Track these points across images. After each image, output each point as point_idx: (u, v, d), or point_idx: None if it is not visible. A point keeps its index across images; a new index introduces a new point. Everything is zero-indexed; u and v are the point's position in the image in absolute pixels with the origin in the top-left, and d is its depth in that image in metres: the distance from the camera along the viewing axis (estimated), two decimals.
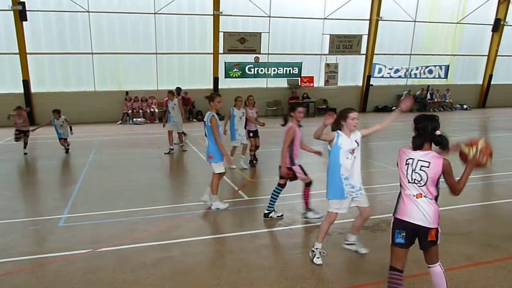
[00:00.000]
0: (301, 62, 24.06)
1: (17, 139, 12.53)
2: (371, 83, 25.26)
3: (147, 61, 22.15)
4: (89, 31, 20.90)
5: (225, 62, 22.80)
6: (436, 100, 25.97)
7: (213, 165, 6.75)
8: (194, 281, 4.42)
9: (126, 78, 22.09)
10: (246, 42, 22.52)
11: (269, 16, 22.91)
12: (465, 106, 26.57)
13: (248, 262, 4.85)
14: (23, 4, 19.06)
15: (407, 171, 3.55)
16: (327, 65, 24.44)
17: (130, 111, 21.22)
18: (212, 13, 21.86)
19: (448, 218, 6.22)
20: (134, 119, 20.82)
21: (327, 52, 24.28)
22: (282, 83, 24.17)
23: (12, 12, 19.27)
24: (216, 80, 22.84)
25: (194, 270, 4.65)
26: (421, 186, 3.48)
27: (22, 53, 19.94)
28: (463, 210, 6.62)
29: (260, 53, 23.08)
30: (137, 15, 21.35)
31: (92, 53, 21.16)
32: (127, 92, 21.63)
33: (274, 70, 23.78)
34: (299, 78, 24.20)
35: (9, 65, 20.25)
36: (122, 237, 5.63)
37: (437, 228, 3.49)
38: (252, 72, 23.45)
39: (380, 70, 24.58)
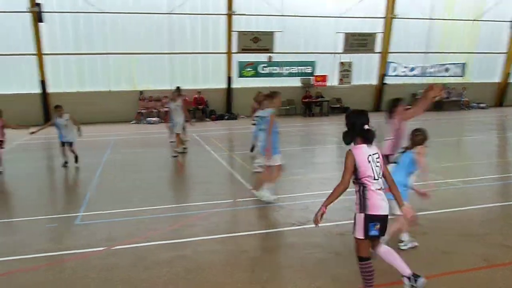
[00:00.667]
0: (315, 61, 23.96)
1: None
2: (385, 81, 25.02)
3: (161, 61, 22.32)
4: (104, 31, 21.14)
5: (238, 62, 22.83)
6: (453, 98, 25.60)
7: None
8: (208, 279, 4.43)
9: (140, 78, 22.28)
10: (259, 41, 22.52)
11: (282, 15, 22.85)
12: (482, 105, 26.14)
13: (262, 261, 4.85)
14: (40, 5, 19.36)
15: (372, 168, 3.65)
16: (341, 63, 24.30)
17: (144, 111, 21.40)
18: (225, 13, 21.91)
19: (464, 219, 6.14)
20: (148, 119, 20.98)
21: (341, 50, 24.14)
22: (296, 82, 24.11)
23: (29, 14, 19.60)
24: (229, 80, 22.90)
25: (207, 269, 4.66)
26: (381, 179, 3.72)
27: (39, 54, 20.30)
28: (479, 211, 6.51)
29: (273, 52, 23.05)
30: (151, 16, 21.52)
31: (107, 53, 21.40)
32: (141, 92, 21.82)
33: (287, 69, 23.73)
34: (312, 77, 24.10)
35: (26, 66, 20.59)
36: (136, 236, 5.68)
37: None
38: (266, 71, 23.44)
39: (395, 69, 24.33)
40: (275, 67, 23.47)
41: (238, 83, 23.24)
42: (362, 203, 3.74)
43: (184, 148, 12.09)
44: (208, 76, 23.20)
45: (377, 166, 3.67)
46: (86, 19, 20.93)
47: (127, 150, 12.91)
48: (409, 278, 3.84)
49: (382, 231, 3.75)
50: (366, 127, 3.65)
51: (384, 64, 24.65)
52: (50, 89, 20.82)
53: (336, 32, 23.91)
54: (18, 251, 5.30)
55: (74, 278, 4.52)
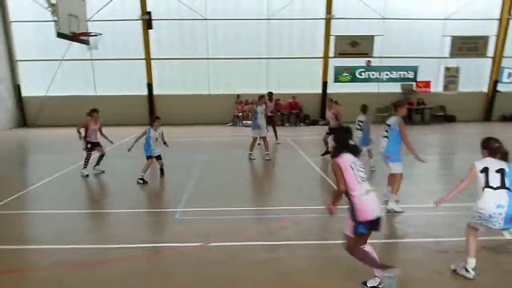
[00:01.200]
0: (417, 66, 22.69)
1: (88, 153, 10.05)
2: (498, 89, 22.85)
3: (258, 65, 22.83)
4: (206, 37, 22.24)
5: (334, 66, 22.50)
6: None
7: (391, 165, 7.09)
8: (300, 284, 4.40)
9: (238, 82, 23.02)
10: (357, 45, 21.96)
11: (384, 18, 22.04)
12: None
13: (357, 271, 4.67)
14: (149, 13, 20.99)
15: (354, 173, 4.12)
16: (447, 69, 22.71)
17: (240, 114, 22.05)
18: (324, 17, 21.75)
19: None
20: (244, 122, 21.55)
21: (447, 55, 22.57)
22: (395, 88, 23.04)
23: (140, 21, 21.36)
24: (325, 85, 22.66)
25: (299, 273, 4.63)
26: (366, 181, 4.21)
27: (147, 59, 22.01)
28: None
29: (372, 57, 22.32)
30: (250, 21, 22.14)
31: (208, 58, 22.48)
32: (238, 96, 22.52)
33: (387, 74, 22.78)
34: (414, 83, 22.85)
35: (136, 69, 22.44)
36: (231, 234, 5.84)
37: None
38: (363, 77, 22.77)
39: (510, 75, 22.12)
40: (373, 72, 22.70)
41: (334, 88, 22.89)
42: (352, 211, 4.18)
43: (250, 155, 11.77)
44: (303, 81, 23.19)
45: (359, 171, 4.18)
46: (191, 26, 22.21)
47: (223, 151, 13.38)
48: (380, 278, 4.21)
49: (374, 229, 4.25)
50: (352, 142, 4.34)
51: (497, 69, 22.52)
52: (155, 92, 22.43)
53: (442, 35, 22.43)
54: (122, 240, 5.75)
55: (172, 270, 4.78)
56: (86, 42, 17.11)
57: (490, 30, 22.50)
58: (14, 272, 4.76)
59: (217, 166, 11.21)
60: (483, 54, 22.55)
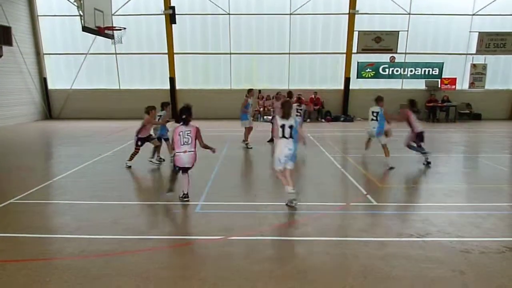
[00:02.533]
0: (443, 63, 22.25)
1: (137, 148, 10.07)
2: None
3: (280, 60, 22.77)
4: (229, 32, 22.27)
5: (358, 62, 22.25)
6: None
7: (381, 139, 9.95)
8: (318, 281, 4.38)
9: (260, 77, 23.02)
10: (382, 41, 21.64)
11: (409, 14, 21.65)
12: None
13: (375, 269, 4.64)
14: (173, 8, 21.14)
15: (180, 139, 6.99)
16: (473, 65, 22.18)
17: (261, 109, 22.03)
18: (347, 12, 21.49)
19: None
20: (265, 117, 21.54)
21: (474, 51, 22.02)
22: (420, 84, 22.64)
23: (163, 16, 21.54)
24: (347, 81, 22.43)
25: (317, 270, 4.61)
26: (186, 144, 7.03)
27: (170, 53, 22.21)
28: None
29: (396, 53, 21.97)
30: (273, 16, 22.08)
31: (230, 53, 22.53)
32: (259, 91, 22.50)
33: (411, 71, 22.41)
34: (439, 80, 22.42)
35: (159, 63, 22.68)
36: (251, 229, 5.86)
37: None
38: (387, 73, 22.47)
39: None
40: (397, 68, 22.33)
41: (356, 84, 22.65)
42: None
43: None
44: (325, 77, 23.03)
45: (184, 137, 6.92)
46: (213, 21, 22.28)
47: (243, 145, 13.39)
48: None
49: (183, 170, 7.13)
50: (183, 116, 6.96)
51: None
52: (178, 86, 22.62)
53: (469, 31, 21.89)
54: (145, 232, 5.84)
55: (193, 262, 4.84)
56: (111, 36, 17.39)
57: None
58: (39, 260, 4.89)
59: (238, 160, 11.25)
60: (511, 51, 21.89)
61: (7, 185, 8.57)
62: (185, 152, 6.93)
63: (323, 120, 21.92)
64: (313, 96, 22.15)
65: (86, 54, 22.27)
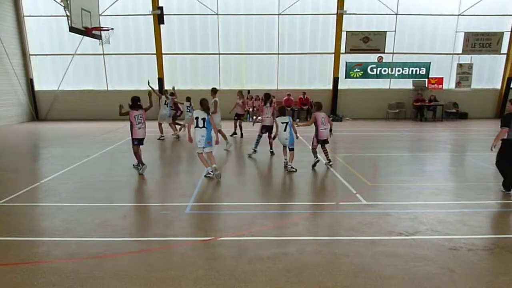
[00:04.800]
0: (430, 62, 22.49)
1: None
2: None
3: (269, 61, 22.78)
4: (217, 32, 22.22)
5: (346, 62, 22.37)
6: None
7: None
8: (309, 279, 4.39)
9: (248, 77, 23.01)
10: (369, 41, 21.79)
11: (396, 14, 21.83)
12: None
13: (365, 268, 4.67)
14: (161, 8, 21.02)
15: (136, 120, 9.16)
16: (460, 65, 22.46)
17: (251, 109, 22.00)
18: (335, 12, 21.59)
19: None
20: (254, 117, 21.49)
21: (460, 51, 22.30)
22: (407, 84, 22.85)
23: (151, 16, 21.42)
24: (336, 81, 22.54)
25: (309, 269, 4.62)
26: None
27: (159, 54, 22.08)
28: None
29: (384, 53, 22.14)
30: (262, 17, 22.09)
31: (219, 54, 22.48)
32: (248, 91, 22.47)
33: (399, 71, 22.60)
34: (426, 79, 22.65)
35: (147, 64, 22.53)
36: (241, 229, 5.85)
37: None
38: (374, 73, 22.63)
39: None
40: (385, 68, 22.52)
41: (345, 84, 22.78)
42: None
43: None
44: (314, 77, 23.11)
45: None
46: (202, 21, 22.20)
47: (233, 146, 13.38)
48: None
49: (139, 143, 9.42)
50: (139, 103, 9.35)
51: (511, 66, 22.19)
52: (166, 86, 22.45)
53: (455, 32, 22.15)
54: (136, 234, 5.80)
55: (183, 263, 4.80)
56: (98, 37, 17.23)
57: (504, 26, 22.17)
58: (27, 263, 4.83)
59: (227, 161, 11.23)
60: (497, 51, 22.25)
61: None
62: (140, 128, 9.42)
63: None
64: (301, 96, 22.21)
65: (73, 54, 22.03)
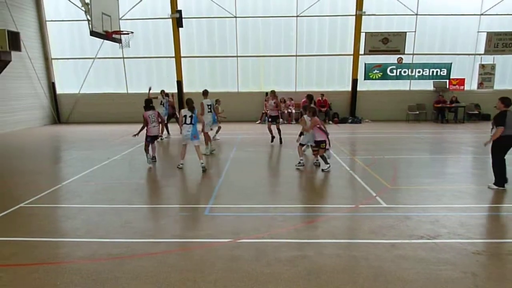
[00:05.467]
0: (451, 63, 22.10)
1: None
2: None
3: (287, 63, 22.76)
4: (235, 35, 22.31)
5: (365, 64, 22.17)
6: None
7: None
8: (328, 282, 4.35)
9: (266, 79, 23.02)
10: (389, 42, 21.53)
11: (416, 14, 21.55)
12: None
13: (385, 271, 4.60)
14: (180, 12, 21.23)
15: (150, 119, 10.43)
16: (482, 66, 22.00)
17: (269, 111, 21.97)
18: (354, 14, 21.44)
19: None
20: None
21: (482, 51, 21.85)
22: (428, 85, 22.52)
23: (170, 20, 21.64)
24: (355, 82, 22.36)
25: (328, 272, 4.59)
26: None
27: (177, 57, 22.29)
28: None
29: (404, 54, 21.84)
30: (279, 19, 22.09)
31: (237, 56, 22.57)
32: (266, 93, 22.46)
33: (419, 72, 22.27)
34: (447, 80, 22.27)
35: (167, 67, 22.78)
36: (260, 231, 5.84)
37: None
38: (394, 74, 22.35)
39: None
40: (405, 69, 22.23)
41: (364, 85, 22.57)
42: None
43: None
44: (333, 78, 22.98)
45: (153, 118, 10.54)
46: (220, 24, 22.33)
47: (251, 148, 13.40)
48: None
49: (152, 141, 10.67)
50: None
51: None
52: (185, 89, 22.67)
53: (477, 31, 21.73)
54: (157, 235, 5.85)
55: (203, 265, 4.82)
56: (118, 41, 17.48)
57: None
58: (49, 264, 4.92)
59: (246, 163, 11.24)
60: None
61: (17, 189, 8.63)
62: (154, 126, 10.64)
63: (330, 122, 21.84)
64: (320, 98, 22.09)
65: (94, 58, 22.43)
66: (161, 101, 15.71)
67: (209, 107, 12.85)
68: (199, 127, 10.42)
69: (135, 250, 5.27)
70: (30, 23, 21.32)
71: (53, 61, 23.01)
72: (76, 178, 9.41)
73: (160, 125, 14.89)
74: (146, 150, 10.71)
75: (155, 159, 11.03)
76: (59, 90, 23.33)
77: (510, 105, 8.03)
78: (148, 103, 10.76)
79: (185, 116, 9.91)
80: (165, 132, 15.84)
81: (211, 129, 13.21)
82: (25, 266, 4.87)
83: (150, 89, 15.70)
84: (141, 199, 7.93)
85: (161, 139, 15.19)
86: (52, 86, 23.13)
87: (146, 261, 4.94)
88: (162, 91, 16.32)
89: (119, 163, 11.31)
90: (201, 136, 10.57)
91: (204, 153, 11.99)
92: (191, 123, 9.88)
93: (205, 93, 13.33)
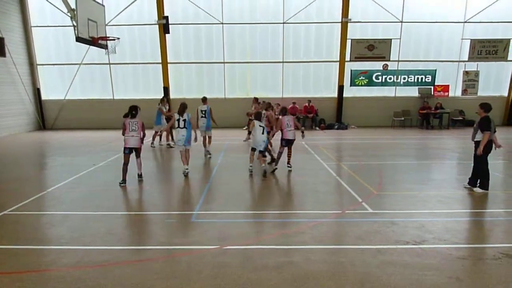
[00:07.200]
0: (435, 70, 22.46)
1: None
2: None
3: (274, 69, 22.85)
4: (222, 41, 22.35)
5: (351, 70, 22.39)
6: None
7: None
8: None
9: (253, 85, 23.07)
10: (374, 49, 21.80)
11: (401, 22, 21.87)
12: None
13: (371, 277, 4.63)
14: (167, 18, 21.21)
15: (129, 126, 9.06)
16: (466, 72, 22.40)
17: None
18: (340, 21, 21.66)
19: None
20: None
21: (466, 58, 22.25)
22: (413, 92, 22.83)
23: (157, 25, 21.61)
24: (341, 89, 22.54)
25: (315, 278, 4.59)
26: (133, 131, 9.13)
27: (164, 63, 22.22)
28: None
29: (389, 60, 22.14)
30: (266, 25, 22.21)
31: (224, 62, 22.59)
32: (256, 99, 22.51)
33: (404, 78, 22.57)
34: (432, 87, 22.61)
35: (153, 73, 22.69)
36: (247, 238, 5.83)
37: None
38: (380, 80, 22.61)
39: None
40: (390, 76, 22.50)
41: (350, 92, 22.78)
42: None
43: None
44: (319, 85, 23.14)
45: (132, 125, 9.13)
46: (207, 30, 22.35)
47: (238, 154, 13.40)
48: None
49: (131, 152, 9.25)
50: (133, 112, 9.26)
51: None
52: (172, 95, 22.59)
53: (461, 39, 22.13)
54: (142, 242, 5.80)
55: (189, 272, 4.79)
56: (104, 47, 17.38)
57: (511, 33, 22.14)
58: (33, 272, 4.84)
59: (233, 169, 11.22)
60: (503, 58, 22.16)
61: (1, 196, 8.48)
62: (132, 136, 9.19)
63: (317, 128, 21.97)
64: (307, 104, 22.22)
65: (79, 64, 22.24)
66: (164, 110, 15.30)
67: (203, 112, 13.22)
68: (193, 133, 10.22)
69: (120, 258, 5.21)
70: (15, 28, 21.07)
71: (38, 66, 22.74)
72: (61, 184, 9.30)
73: (161, 133, 15.35)
74: (124, 169, 9.16)
75: (141, 176, 9.67)
76: (44, 96, 23.06)
77: (490, 110, 8.39)
78: (132, 110, 9.19)
79: (178, 119, 9.96)
80: (170, 140, 15.38)
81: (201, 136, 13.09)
82: (9, 274, 4.78)
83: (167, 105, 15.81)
84: (127, 206, 7.86)
85: (170, 146, 14.99)
86: (37, 92, 22.85)
87: (132, 269, 4.89)
88: (163, 99, 15.93)
89: (105, 169, 11.20)
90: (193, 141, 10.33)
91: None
92: (184, 127, 9.92)
93: (203, 100, 13.78)
